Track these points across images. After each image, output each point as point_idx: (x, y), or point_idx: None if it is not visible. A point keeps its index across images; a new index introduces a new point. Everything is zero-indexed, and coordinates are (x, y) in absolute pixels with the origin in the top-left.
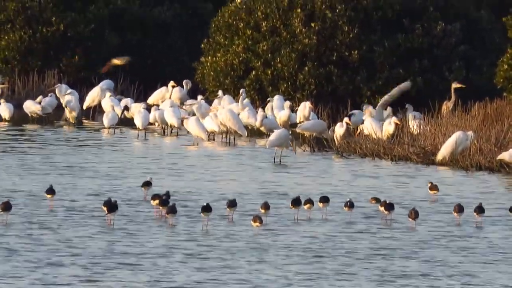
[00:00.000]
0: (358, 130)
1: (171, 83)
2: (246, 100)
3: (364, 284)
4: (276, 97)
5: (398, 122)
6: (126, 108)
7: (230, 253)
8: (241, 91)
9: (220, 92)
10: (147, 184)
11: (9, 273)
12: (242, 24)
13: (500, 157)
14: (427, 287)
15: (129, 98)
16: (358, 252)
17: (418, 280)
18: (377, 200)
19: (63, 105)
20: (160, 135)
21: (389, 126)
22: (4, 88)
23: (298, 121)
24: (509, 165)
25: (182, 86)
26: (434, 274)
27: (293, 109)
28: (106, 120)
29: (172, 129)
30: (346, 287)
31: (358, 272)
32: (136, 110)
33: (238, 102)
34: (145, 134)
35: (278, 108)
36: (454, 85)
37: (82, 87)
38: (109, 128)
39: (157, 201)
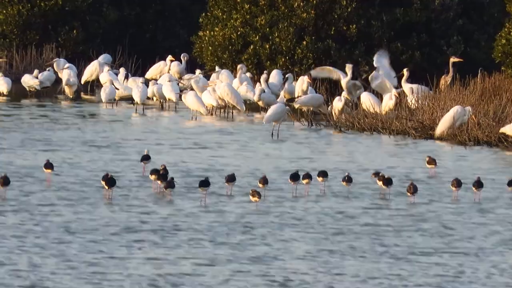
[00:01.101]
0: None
1: (169, 57)
2: (248, 74)
3: (369, 262)
4: (274, 72)
5: (397, 95)
6: (127, 76)
7: (226, 228)
8: (239, 66)
9: (217, 67)
10: (146, 158)
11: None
12: None
13: (502, 130)
14: (430, 264)
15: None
16: (356, 227)
17: (420, 256)
18: (377, 174)
19: (62, 80)
20: (158, 110)
21: (389, 100)
22: (2, 62)
23: (296, 96)
24: (508, 139)
25: (180, 61)
26: (437, 250)
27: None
28: (104, 94)
29: (169, 104)
30: (352, 264)
31: (361, 248)
32: (134, 85)
33: (236, 77)
34: (143, 108)
35: (276, 82)
36: (452, 59)
37: (80, 61)
38: (107, 102)
39: (155, 176)
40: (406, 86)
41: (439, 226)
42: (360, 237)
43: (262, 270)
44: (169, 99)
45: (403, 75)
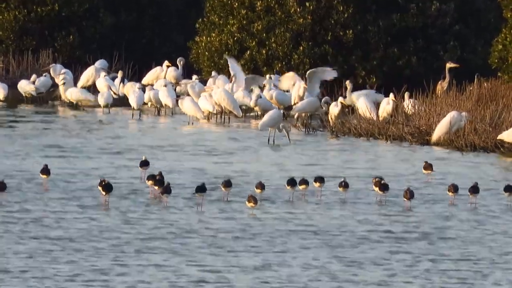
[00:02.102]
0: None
1: (166, 62)
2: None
3: (369, 270)
4: (272, 77)
5: (395, 100)
6: (122, 80)
7: (224, 234)
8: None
9: (213, 73)
10: (145, 164)
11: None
12: (236, 4)
13: (499, 137)
14: (429, 271)
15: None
16: (353, 233)
17: (419, 263)
18: (380, 179)
19: (59, 85)
20: (154, 115)
21: (387, 105)
22: None
23: (292, 102)
24: (505, 146)
25: (177, 66)
26: (437, 256)
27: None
28: (101, 99)
29: (166, 109)
30: (354, 272)
31: (361, 255)
32: (131, 90)
33: (231, 82)
34: (139, 114)
35: (272, 88)
36: (449, 64)
37: (76, 66)
38: (104, 107)
39: (151, 181)
40: (355, 95)
41: (435, 231)
42: (359, 243)
43: (263, 278)
44: (165, 105)
45: (346, 88)
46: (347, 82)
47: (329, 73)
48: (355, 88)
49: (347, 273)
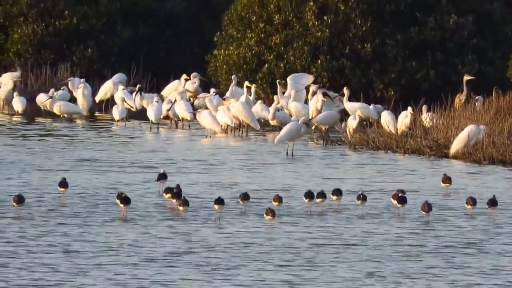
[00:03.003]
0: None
1: (184, 76)
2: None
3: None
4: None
5: (413, 113)
6: (140, 90)
7: (243, 247)
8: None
9: (233, 77)
10: (163, 177)
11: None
12: (254, 17)
13: None
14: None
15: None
16: (373, 246)
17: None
18: (402, 192)
19: (77, 98)
20: (172, 128)
21: (405, 118)
22: (17, 81)
23: (310, 116)
24: None
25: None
26: (456, 267)
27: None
28: (116, 113)
29: (183, 122)
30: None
31: (379, 269)
32: (149, 103)
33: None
34: (157, 127)
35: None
36: (466, 77)
37: (95, 80)
38: (119, 121)
39: (169, 195)
40: (348, 105)
41: (454, 244)
42: (379, 257)
43: None
44: (182, 118)
45: (343, 94)
46: (344, 88)
47: (307, 79)
48: (374, 101)
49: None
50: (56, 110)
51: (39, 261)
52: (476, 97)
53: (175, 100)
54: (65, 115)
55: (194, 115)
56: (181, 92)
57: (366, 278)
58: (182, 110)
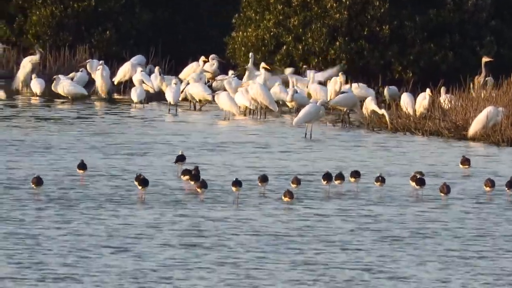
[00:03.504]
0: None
1: (202, 58)
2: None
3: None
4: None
5: (432, 94)
6: (160, 72)
7: (261, 229)
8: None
9: (250, 63)
10: (181, 159)
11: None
12: None
13: None
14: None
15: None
16: (393, 229)
17: (459, 259)
18: (421, 173)
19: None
20: (191, 110)
21: (423, 100)
22: (36, 63)
23: (329, 97)
24: None
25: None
26: (476, 252)
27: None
28: (134, 95)
29: (200, 104)
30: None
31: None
32: (168, 84)
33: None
34: (176, 109)
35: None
36: (484, 59)
37: (113, 62)
38: (137, 103)
39: (187, 176)
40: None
41: (473, 227)
42: (397, 238)
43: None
44: (200, 100)
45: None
46: (340, 74)
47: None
48: (392, 83)
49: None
50: (60, 90)
51: (57, 244)
52: (487, 78)
53: (188, 82)
54: (70, 96)
55: (213, 97)
56: (199, 74)
57: (380, 261)
58: (200, 92)
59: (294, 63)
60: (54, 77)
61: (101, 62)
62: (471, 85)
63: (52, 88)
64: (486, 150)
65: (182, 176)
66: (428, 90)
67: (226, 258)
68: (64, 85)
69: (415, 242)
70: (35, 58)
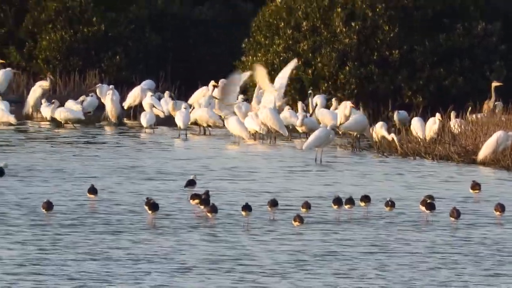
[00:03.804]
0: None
1: (212, 82)
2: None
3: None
4: (317, 97)
5: (441, 119)
6: (171, 96)
7: (271, 253)
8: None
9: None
10: (192, 183)
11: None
12: (282, 24)
13: None
14: None
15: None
16: (403, 253)
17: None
18: (431, 198)
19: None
20: (200, 135)
21: (433, 124)
22: (46, 89)
23: (339, 122)
24: None
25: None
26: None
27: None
28: (144, 120)
29: (209, 129)
30: None
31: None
32: (178, 109)
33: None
34: (186, 133)
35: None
36: (494, 83)
37: (123, 87)
38: (147, 128)
39: (197, 201)
40: (320, 112)
41: (484, 250)
42: (408, 264)
43: None
44: (208, 124)
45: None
46: (316, 97)
47: (238, 77)
48: (402, 107)
49: None
50: (57, 116)
51: (67, 269)
52: (496, 103)
53: (193, 107)
54: (67, 121)
55: (223, 121)
56: (208, 98)
57: (396, 285)
58: (204, 116)
59: (303, 87)
60: (53, 100)
61: (111, 86)
62: (468, 111)
63: (50, 113)
64: (496, 174)
65: (191, 201)
66: (438, 114)
67: (236, 282)
68: (60, 111)
69: (425, 268)
70: (46, 84)
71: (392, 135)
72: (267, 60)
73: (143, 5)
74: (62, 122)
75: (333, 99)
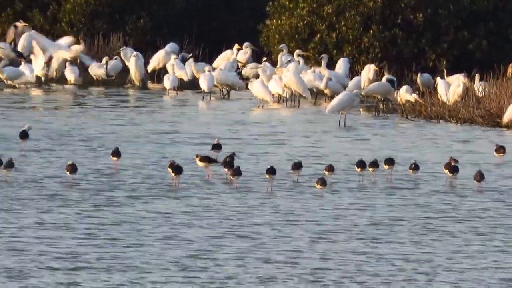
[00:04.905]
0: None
1: (236, 46)
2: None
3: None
4: (341, 60)
5: (466, 81)
6: (193, 57)
7: (292, 216)
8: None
9: (284, 51)
10: (217, 147)
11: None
12: None
13: None
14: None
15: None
16: (427, 216)
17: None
18: (455, 161)
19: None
20: (225, 98)
21: (457, 88)
22: (79, 52)
23: (362, 85)
24: None
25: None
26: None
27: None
28: (167, 82)
29: (228, 91)
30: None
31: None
32: (201, 72)
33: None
34: (210, 96)
35: (341, 71)
36: None
37: (147, 50)
38: (170, 90)
39: (205, 163)
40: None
41: (508, 213)
42: (429, 226)
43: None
44: (230, 87)
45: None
46: (323, 56)
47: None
48: (426, 71)
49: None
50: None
51: (91, 232)
52: None
53: (214, 69)
54: (11, 82)
55: (246, 84)
56: (232, 62)
57: (416, 248)
58: (230, 79)
59: (327, 51)
60: (96, 64)
61: (135, 53)
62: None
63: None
64: None
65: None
66: (462, 77)
67: (256, 246)
68: (92, 68)
69: (446, 230)
70: (80, 47)
71: (414, 95)
72: (291, 23)
73: None
74: (6, 82)
75: (323, 56)
